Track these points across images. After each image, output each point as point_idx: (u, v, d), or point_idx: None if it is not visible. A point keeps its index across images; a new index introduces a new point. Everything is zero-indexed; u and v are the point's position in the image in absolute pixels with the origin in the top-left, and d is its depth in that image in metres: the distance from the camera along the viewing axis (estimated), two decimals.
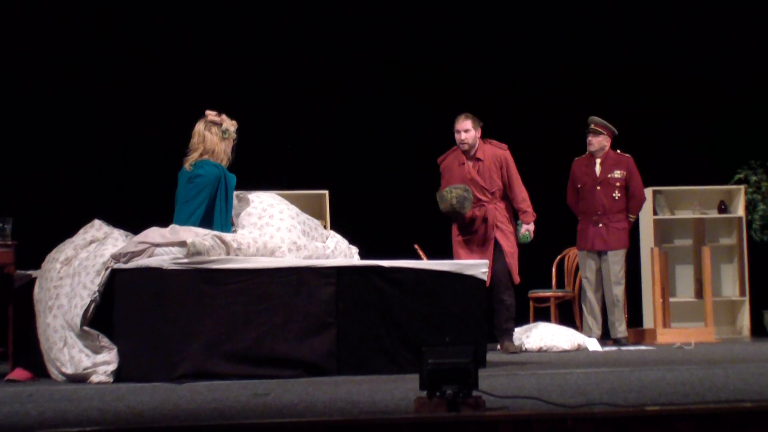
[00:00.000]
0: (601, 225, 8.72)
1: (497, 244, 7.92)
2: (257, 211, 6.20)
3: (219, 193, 6.08)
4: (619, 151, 8.86)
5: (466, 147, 8.01)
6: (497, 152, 8.04)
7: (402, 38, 10.67)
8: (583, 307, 8.83)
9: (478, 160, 8.03)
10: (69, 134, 9.84)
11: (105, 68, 9.98)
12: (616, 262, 8.72)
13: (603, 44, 10.84)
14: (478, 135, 8.04)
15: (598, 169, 8.79)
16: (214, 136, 6.15)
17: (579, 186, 8.83)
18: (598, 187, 8.75)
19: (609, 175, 8.76)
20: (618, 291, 8.74)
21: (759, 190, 10.43)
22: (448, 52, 10.70)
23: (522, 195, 8.05)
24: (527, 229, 8.02)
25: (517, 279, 8.01)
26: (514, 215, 8.11)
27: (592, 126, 8.81)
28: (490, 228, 7.95)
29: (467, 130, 7.99)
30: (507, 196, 8.07)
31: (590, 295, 8.76)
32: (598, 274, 8.77)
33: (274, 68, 10.43)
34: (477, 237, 7.97)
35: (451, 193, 7.83)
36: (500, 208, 8.02)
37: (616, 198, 8.75)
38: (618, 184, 8.76)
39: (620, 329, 8.76)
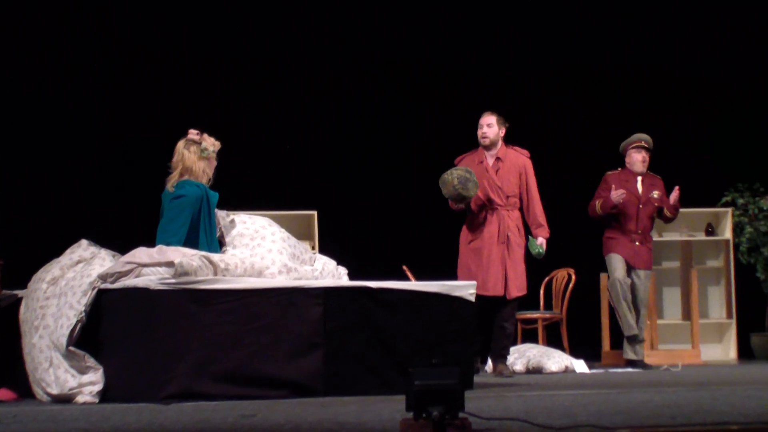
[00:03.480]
0: (638, 243, 8.58)
1: (504, 263, 7.64)
2: (249, 232, 6.21)
3: (202, 212, 6.08)
4: (649, 171, 8.73)
5: (487, 142, 7.75)
6: (519, 158, 7.81)
7: (390, 57, 10.69)
8: (619, 307, 8.42)
9: (499, 159, 7.77)
10: (55, 153, 9.82)
11: (92, 85, 9.97)
12: (648, 283, 8.62)
13: (593, 63, 10.89)
14: (502, 134, 7.79)
15: (640, 187, 8.61)
16: (192, 154, 6.17)
17: (620, 201, 8.49)
18: (641, 206, 8.57)
19: (650, 195, 8.61)
20: (645, 312, 8.65)
21: (746, 212, 10.47)
22: (438, 71, 10.73)
23: (540, 207, 7.80)
24: (542, 243, 7.71)
25: (513, 293, 7.64)
26: (526, 230, 7.82)
27: (644, 143, 8.63)
28: (502, 236, 7.67)
29: (490, 124, 7.76)
30: (520, 207, 7.79)
31: (624, 300, 8.43)
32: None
33: (263, 88, 10.44)
34: (489, 244, 7.65)
35: (452, 175, 7.49)
36: (513, 217, 7.74)
37: (653, 219, 8.67)
38: (656, 204, 8.62)
39: (642, 351, 8.58)
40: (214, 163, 6.26)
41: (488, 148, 7.79)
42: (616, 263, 8.54)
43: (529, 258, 7.84)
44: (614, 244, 8.59)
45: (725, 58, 10.94)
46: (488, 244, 7.69)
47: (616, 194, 8.35)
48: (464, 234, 7.86)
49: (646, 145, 8.61)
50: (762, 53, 10.96)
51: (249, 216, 6.42)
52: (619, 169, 8.70)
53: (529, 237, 7.77)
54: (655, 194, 8.60)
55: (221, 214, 6.28)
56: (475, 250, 7.74)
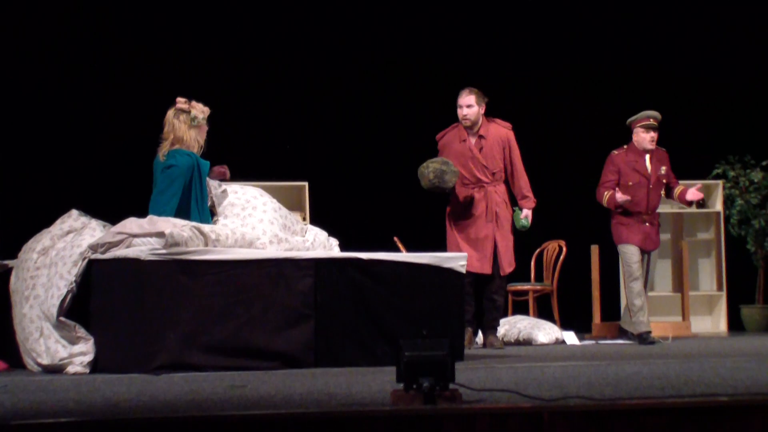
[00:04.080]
0: (648, 225, 8.22)
1: (494, 239, 7.58)
2: (241, 202, 6.20)
3: (194, 181, 6.07)
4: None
5: (468, 123, 7.62)
6: (501, 131, 7.68)
7: (380, 30, 10.65)
8: (635, 304, 8.12)
9: (481, 137, 7.65)
10: (45, 124, 9.77)
11: (79, 57, 9.91)
12: (655, 261, 8.37)
13: (583, 41, 10.86)
14: (482, 111, 7.64)
15: (649, 166, 8.22)
16: (182, 123, 6.15)
17: (631, 183, 8.16)
18: (651, 186, 8.20)
19: (658, 173, 8.24)
20: (647, 285, 8.38)
21: (737, 185, 10.48)
22: (428, 44, 10.69)
23: (525, 179, 7.70)
24: (527, 215, 7.64)
25: (505, 270, 7.63)
26: (511, 201, 7.74)
27: (652, 121, 8.19)
28: (490, 213, 7.59)
29: (470, 105, 7.60)
30: (505, 180, 7.70)
31: (641, 291, 8.14)
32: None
33: (253, 60, 10.39)
34: (477, 223, 7.59)
35: (428, 168, 7.39)
36: (500, 192, 7.66)
37: (662, 196, 8.35)
38: (664, 181, 8.28)
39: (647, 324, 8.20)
40: (206, 128, 6.24)
41: (470, 127, 7.69)
42: (632, 257, 8.18)
43: (519, 230, 7.82)
44: (626, 232, 8.21)
45: (717, 34, 10.92)
46: (476, 223, 7.63)
47: (623, 199, 8.05)
48: (451, 213, 7.78)
49: (655, 124, 8.24)
50: (751, 30, 10.94)
51: (240, 186, 6.42)
52: (625, 147, 8.29)
53: (515, 209, 7.70)
54: (662, 170, 8.27)
55: (213, 184, 6.28)
56: (463, 229, 7.68)
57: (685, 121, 10.81)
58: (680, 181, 8.73)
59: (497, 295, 7.69)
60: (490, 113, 7.85)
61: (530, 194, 7.73)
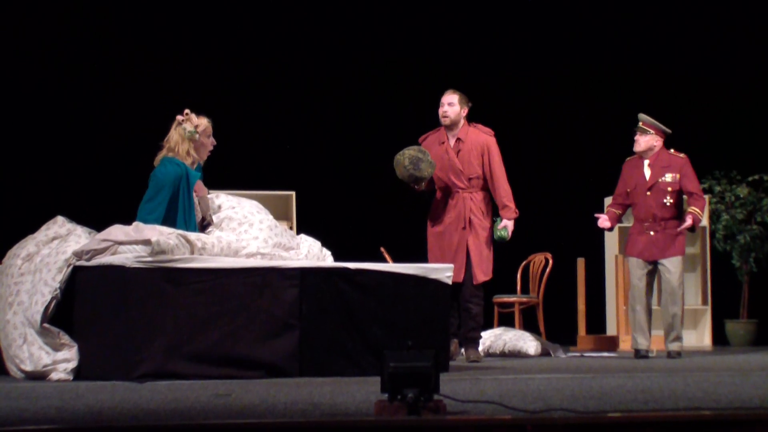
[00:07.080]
0: (653, 233, 7.83)
1: (467, 247, 7.36)
2: (238, 217, 6.17)
3: (181, 192, 6.06)
4: (673, 150, 7.96)
5: (447, 121, 7.43)
6: (481, 137, 7.46)
7: (365, 39, 10.66)
8: (630, 318, 7.96)
9: (460, 140, 7.45)
10: (31, 129, 9.75)
11: (67, 68, 9.89)
12: (675, 271, 7.87)
13: (574, 52, 10.89)
14: (464, 114, 7.43)
15: (647, 172, 7.89)
16: (177, 135, 6.18)
17: (629, 190, 7.93)
18: (648, 193, 7.84)
19: (660, 179, 7.85)
20: (677, 309, 7.86)
21: (723, 200, 10.52)
22: (413, 53, 10.70)
23: (505, 187, 7.42)
24: (506, 225, 7.38)
25: (479, 278, 7.35)
26: (493, 211, 7.53)
27: (640, 124, 7.90)
28: (462, 220, 7.38)
29: (451, 103, 7.41)
30: (486, 188, 7.47)
31: (638, 306, 7.86)
32: (648, 284, 7.93)
33: (240, 70, 10.39)
34: (450, 230, 7.41)
35: (403, 156, 7.24)
36: (476, 199, 7.42)
37: (668, 204, 7.84)
38: (670, 189, 7.82)
39: (676, 344, 7.91)
40: (206, 141, 6.24)
41: (450, 127, 7.48)
42: (632, 268, 7.93)
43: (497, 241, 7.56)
44: (630, 242, 7.97)
45: (705, 47, 10.96)
46: (449, 230, 7.45)
47: (601, 225, 7.97)
48: (429, 219, 7.64)
49: (642, 126, 7.92)
50: (739, 44, 10.99)
51: (239, 200, 6.34)
52: (636, 153, 7.99)
53: (495, 219, 7.48)
54: (668, 177, 7.85)
55: (210, 197, 6.26)
56: (438, 236, 7.51)
57: (672, 135, 10.84)
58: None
59: (471, 303, 7.38)
60: (478, 119, 7.72)
61: (511, 204, 7.44)
